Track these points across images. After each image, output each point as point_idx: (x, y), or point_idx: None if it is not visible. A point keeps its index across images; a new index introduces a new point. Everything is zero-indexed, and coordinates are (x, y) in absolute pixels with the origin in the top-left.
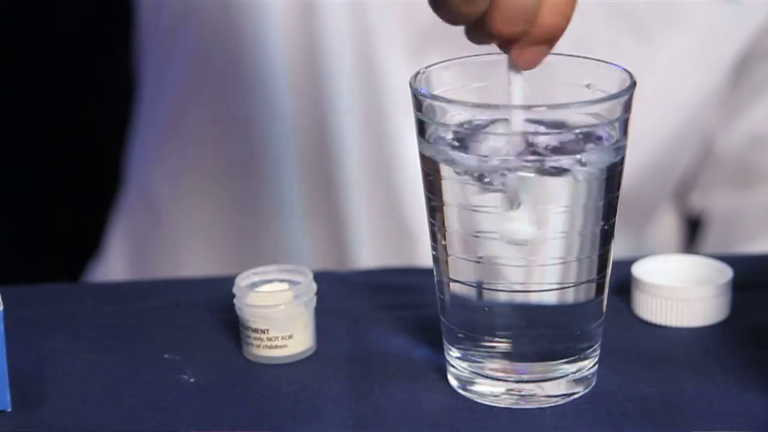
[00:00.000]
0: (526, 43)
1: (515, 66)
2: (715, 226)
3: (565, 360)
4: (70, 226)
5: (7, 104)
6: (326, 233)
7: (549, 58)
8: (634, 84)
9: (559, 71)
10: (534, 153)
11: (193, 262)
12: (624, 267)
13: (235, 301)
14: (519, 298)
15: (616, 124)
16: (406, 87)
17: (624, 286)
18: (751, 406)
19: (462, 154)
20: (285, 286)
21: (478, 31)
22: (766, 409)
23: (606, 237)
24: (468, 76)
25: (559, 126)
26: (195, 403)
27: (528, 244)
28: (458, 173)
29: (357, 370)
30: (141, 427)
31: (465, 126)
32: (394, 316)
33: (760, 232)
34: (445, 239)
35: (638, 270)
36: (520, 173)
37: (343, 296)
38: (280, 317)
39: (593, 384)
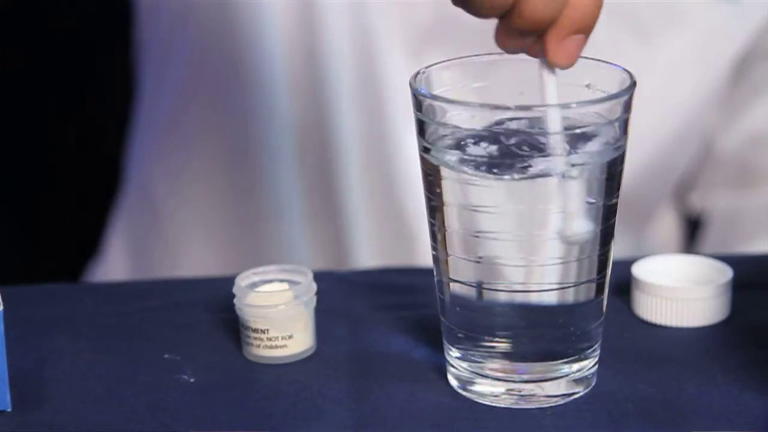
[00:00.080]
0: (560, 34)
1: (552, 63)
2: (715, 226)
3: (565, 360)
4: (70, 226)
5: (7, 104)
6: (326, 233)
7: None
8: (634, 84)
9: (559, 71)
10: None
11: (192, 262)
12: (624, 267)
13: (235, 301)
14: (519, 298)
15: (616, 124)
16: (406, 87)
17: (624, 286)
18: (751, 406)
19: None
20: (285, 286)
21: (508, 25)
22: (766, 409)
23: (606, 237)
24: (468, 76)
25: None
26: (195, 403)
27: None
28: (464, 169)
29: (357, 370)
30: (141, 427)
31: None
32: (394, 316)
33: (760, 232)
34: (445, 239)
35: (638, 270)
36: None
37: (343, 296)
38: (280, 317)
39: (593, 384)
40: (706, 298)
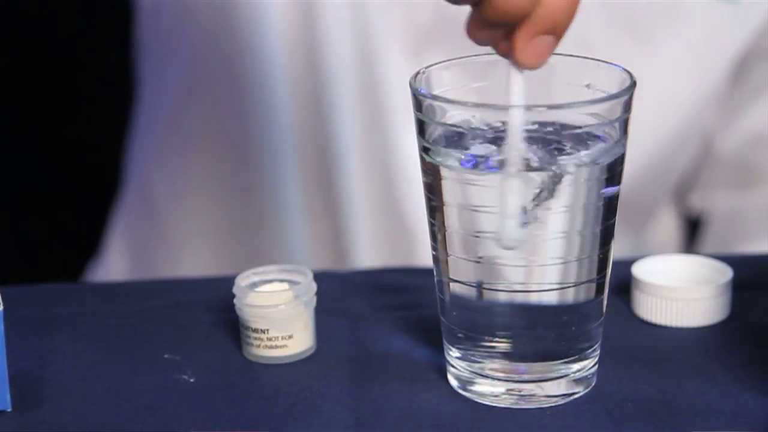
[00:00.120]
0: (530, 30)
1: (519, 62)
2: (715, 226)
3: (565, 360)
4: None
5: (7, 104)
6: (326, 233)
7: (549, 58)
8: (634, 84)
9: (559, 71)
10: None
11: (192, 262)
12: (624, 267)
13: (235, 301)
14: (519, 298)
15: (616, 124)
16: (406, 87)
17: (624, 286)
18: (751, 406)
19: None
20: (285, 286)
21: (480, 16)
22: (766, 409)
23: (606, 237)
24: (468, 76)
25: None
26: (195, 403)
27: (519, 247)
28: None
29: (357, 370)
30: (141, 427)
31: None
32: (394, 316)
33: (760, 232)
34: (445, 239)
35: (638, 270)
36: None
37: (343, 296)
38: (280, 317)
39: (593, 384)
40: (706, 298)
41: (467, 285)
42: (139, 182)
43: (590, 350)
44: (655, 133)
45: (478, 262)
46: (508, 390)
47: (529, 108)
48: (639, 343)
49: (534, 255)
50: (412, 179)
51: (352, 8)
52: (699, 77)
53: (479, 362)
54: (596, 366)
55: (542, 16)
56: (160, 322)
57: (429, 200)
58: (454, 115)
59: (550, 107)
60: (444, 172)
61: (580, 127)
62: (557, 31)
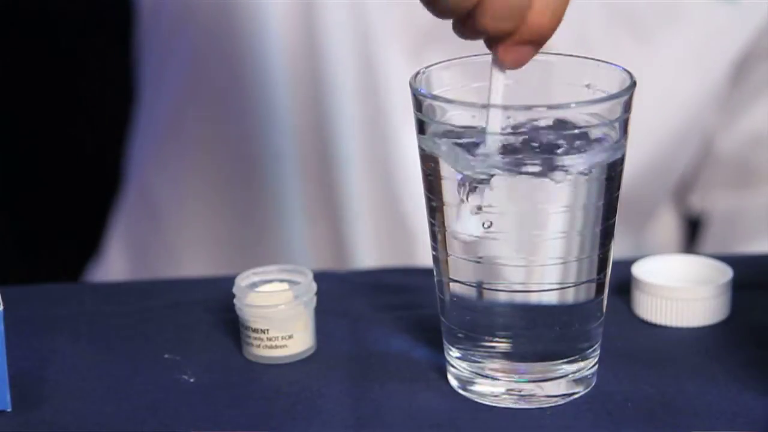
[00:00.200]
0: (513, 41)
1: (500, 64)
2: (715, 226)
3: (565, 360)
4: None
5: (6, 104)
6: (326, 233)
7: (549, 58)
8: (634, 84)
9: (559, 71)
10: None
11: (192, 263)
12: (624, 267)
13: (235, 301)
14: (519, 298)
15: (616, 124)
16: (406, 87)
17: (624, 286)
18: (751, 406)
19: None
20: (285, 286)
21: (466, 26)
22: (766, 409)
23: (606, 237)
24: (468, 76)
25: (558, 126)
26: (195, 403)
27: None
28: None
29: (357, 370)
30: (141, 427)
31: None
32: (394, 316)
33: (760, 232)
34: (445, 239)
35: (638, 270)
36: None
37: (343, 296)
38: (280, 317)
39: (593, 384)
40: (706, 298)
41: (467, 285)
42: (139, 182)
43: (590, 350)
44: (655, 134)
45: (478, 262)
46: (508, 390)
47: (506, 107)
48: (639, 343)
49: (534, 255)
50: (412, 179)
51: (352, 8)
52: (699, 77)
53: (479, 362)
54: (596, 366)
55: (526, 33)
56: (160, 322)
57: (429, 200)
58: (454, 115)
59: (550, 107)
60: (444, 172)
61: (580, 127)
62: (539, 43)
